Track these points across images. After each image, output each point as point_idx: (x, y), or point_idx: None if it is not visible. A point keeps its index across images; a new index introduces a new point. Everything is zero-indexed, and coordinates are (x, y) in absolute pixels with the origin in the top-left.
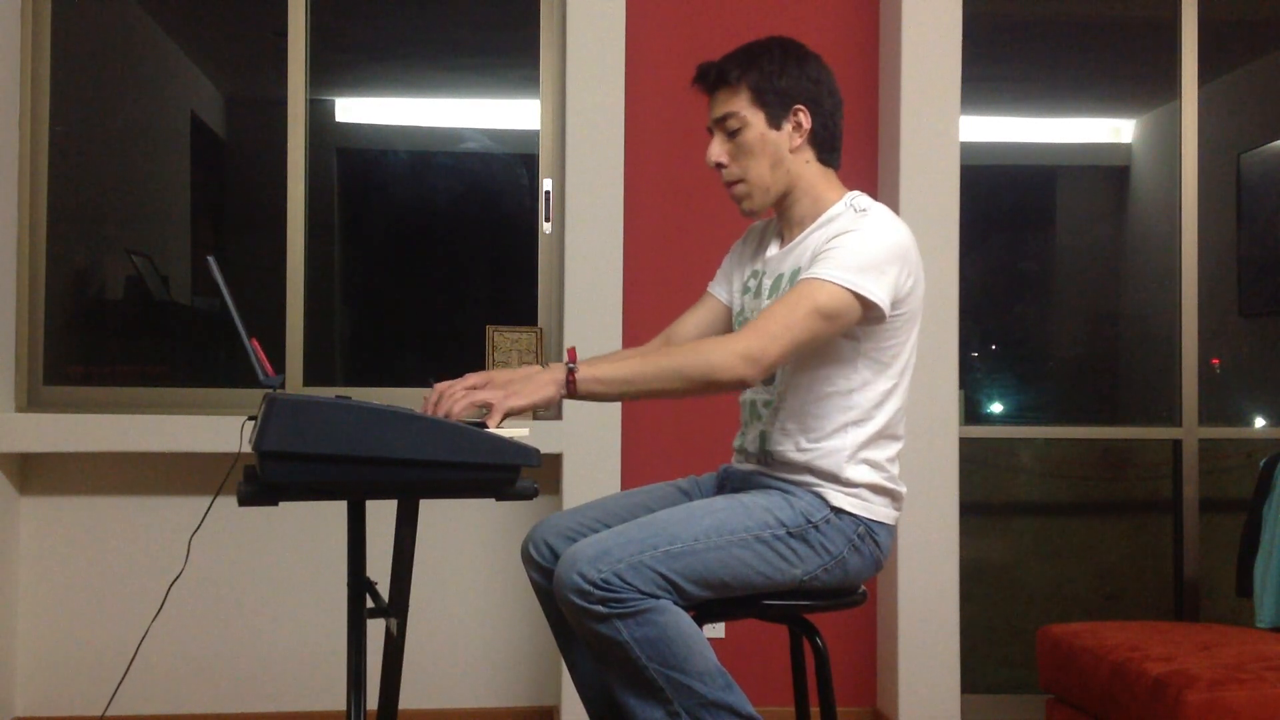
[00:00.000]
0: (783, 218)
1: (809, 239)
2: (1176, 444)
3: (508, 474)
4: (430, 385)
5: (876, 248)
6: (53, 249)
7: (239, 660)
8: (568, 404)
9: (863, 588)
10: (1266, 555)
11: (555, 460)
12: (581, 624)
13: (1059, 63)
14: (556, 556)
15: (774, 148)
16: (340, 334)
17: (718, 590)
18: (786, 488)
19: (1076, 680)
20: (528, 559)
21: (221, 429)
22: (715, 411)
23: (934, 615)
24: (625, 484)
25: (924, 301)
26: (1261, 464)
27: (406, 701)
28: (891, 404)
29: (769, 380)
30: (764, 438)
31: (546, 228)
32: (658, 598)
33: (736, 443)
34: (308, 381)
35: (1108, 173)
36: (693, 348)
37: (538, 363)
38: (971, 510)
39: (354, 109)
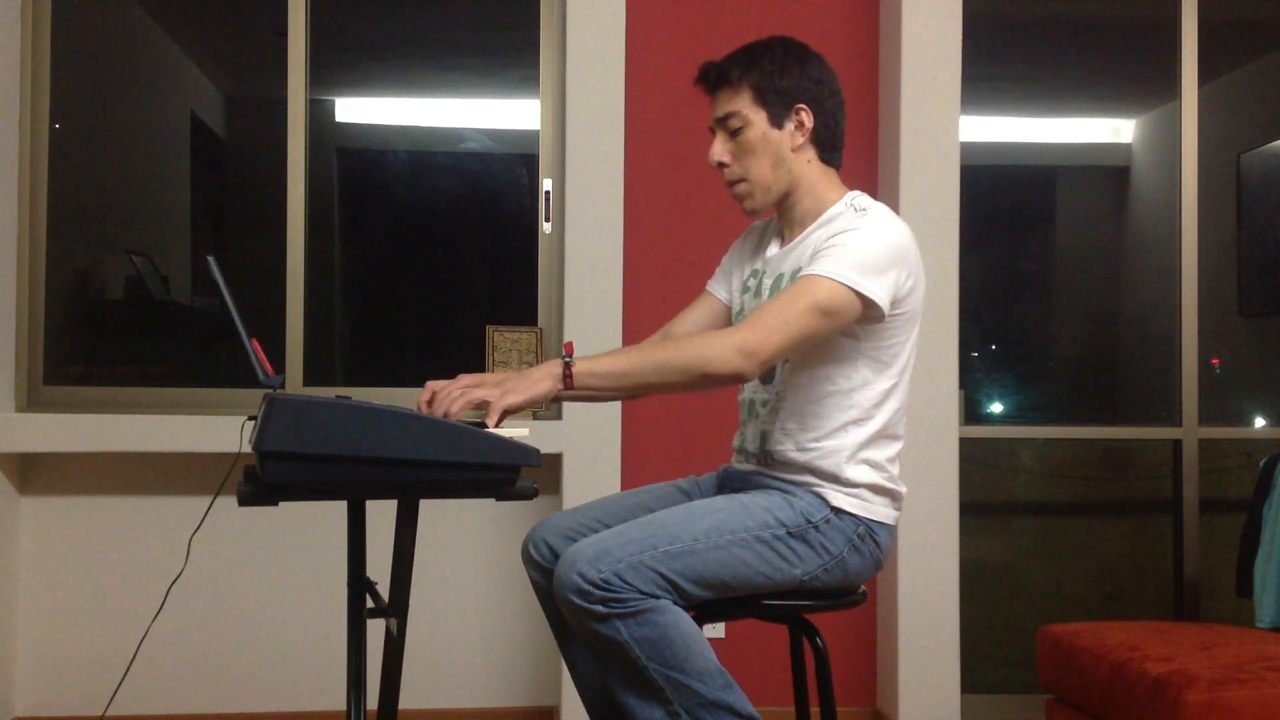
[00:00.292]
0: (783, 217)
1: (809, 238)
2: (1176, 444)
3: (508, 474)
4: (425, 385)
5: (877, 247)
6: (53, 249)
7: (239, 660)
8: (568, 404)
9: (863, 588)
10: (1266, 555)
11: (555, 460)
12: (581, 624)
13: (1059, 63)
14: (556, 556)
15: (776, 147)
16: (340, 334)
17: (718, 590)
18: (786, 488)
19: (1076, 680)
20: (528, 559)
21: (221, 429)
22: (715, 411)
23: (934, 615)
24: (625, 484)
25: (924, 301)
26: (1261, 464)
27: (406, 701)
28: (891, 404)
29: (768, 379)
30: (764, 437)
31: (546, 228)
32: (658, 598)
33: (736, 442)
34: (308, 381)
35: (1108, 173)
36: (689, 341)
37: (537, 363)
38: (971, 510)
39: (354, 109)
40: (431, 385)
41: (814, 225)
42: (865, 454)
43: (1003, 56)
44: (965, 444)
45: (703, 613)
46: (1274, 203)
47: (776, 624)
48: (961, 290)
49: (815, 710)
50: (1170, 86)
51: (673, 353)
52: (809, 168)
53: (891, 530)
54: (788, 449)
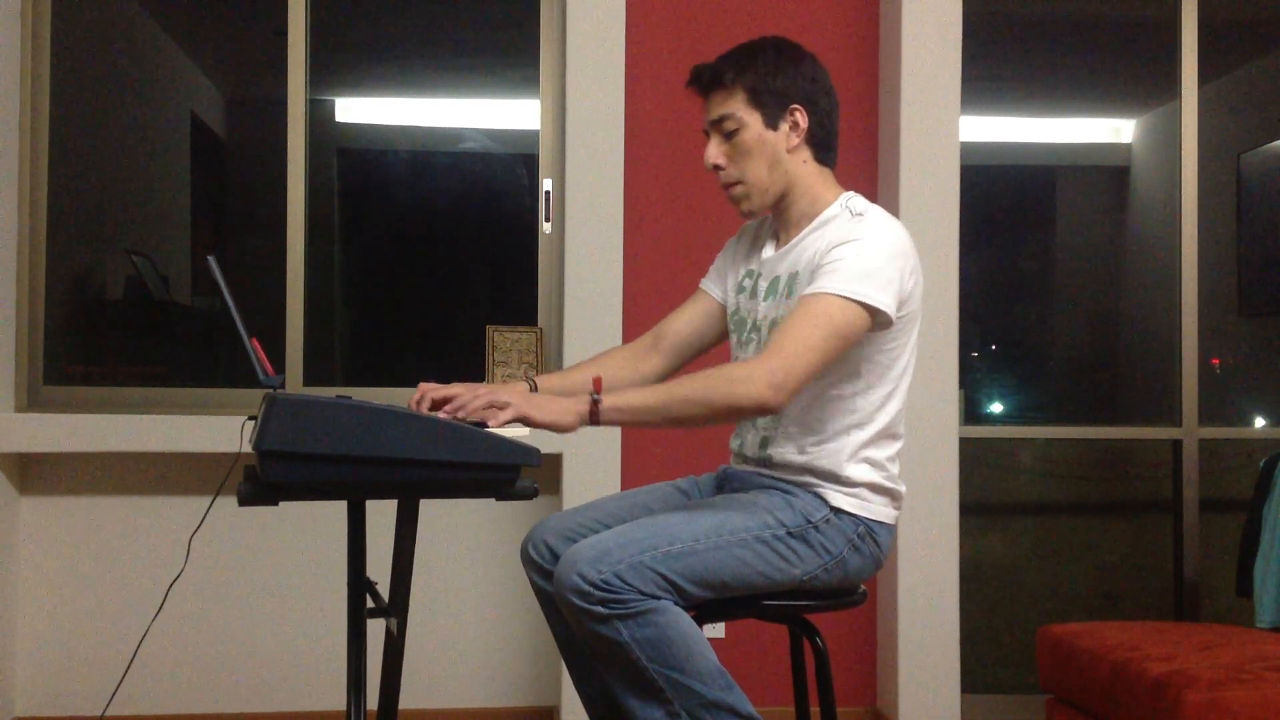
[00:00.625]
0: (779, 218)
1: (805, 241)
2: (1176, 444)
3: (508, 474)
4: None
5: (878, 254)
6: (53, 249)
7: (239, 660)
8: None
9: (863, 587)
10: (1266, 555)
11: (555, 460)
12: (581, 625)
13: (1059, 63)
14: (556, 557)
15: (771, 148)
16: (340, 334)
17: (718, 590)
18: (786, 488)
19: (1076, 680)
20: (527, 560)
21: (221, 429)
22: None
23: (934, 615)
24: (625, 484)
25: (923, 301)
26: (1261, 464)
27: (406, 701)
28: (892, 406)
29: None
30: (765, 442)
31: (546, 228)
32: (658, 598)
33: (734, 445)
34: (308, 381)
35: (1108, 173)
36: (715, 376)
37: (538, 363)
38: (971, 510)
39: (354, 109)
40: (424, 386)
41: (810, 228)
42: (865, 454)
43: (1003, 56)
44: (965, 444)
45: (703, 613)
46: (1274, 203)
47: (776, 624)
48: (961, 290)
49: (815, 710)
50: (1170, 86)
51: (699, 389)
52: (805, 168)
53: (891, 530)
54: (789, 452)
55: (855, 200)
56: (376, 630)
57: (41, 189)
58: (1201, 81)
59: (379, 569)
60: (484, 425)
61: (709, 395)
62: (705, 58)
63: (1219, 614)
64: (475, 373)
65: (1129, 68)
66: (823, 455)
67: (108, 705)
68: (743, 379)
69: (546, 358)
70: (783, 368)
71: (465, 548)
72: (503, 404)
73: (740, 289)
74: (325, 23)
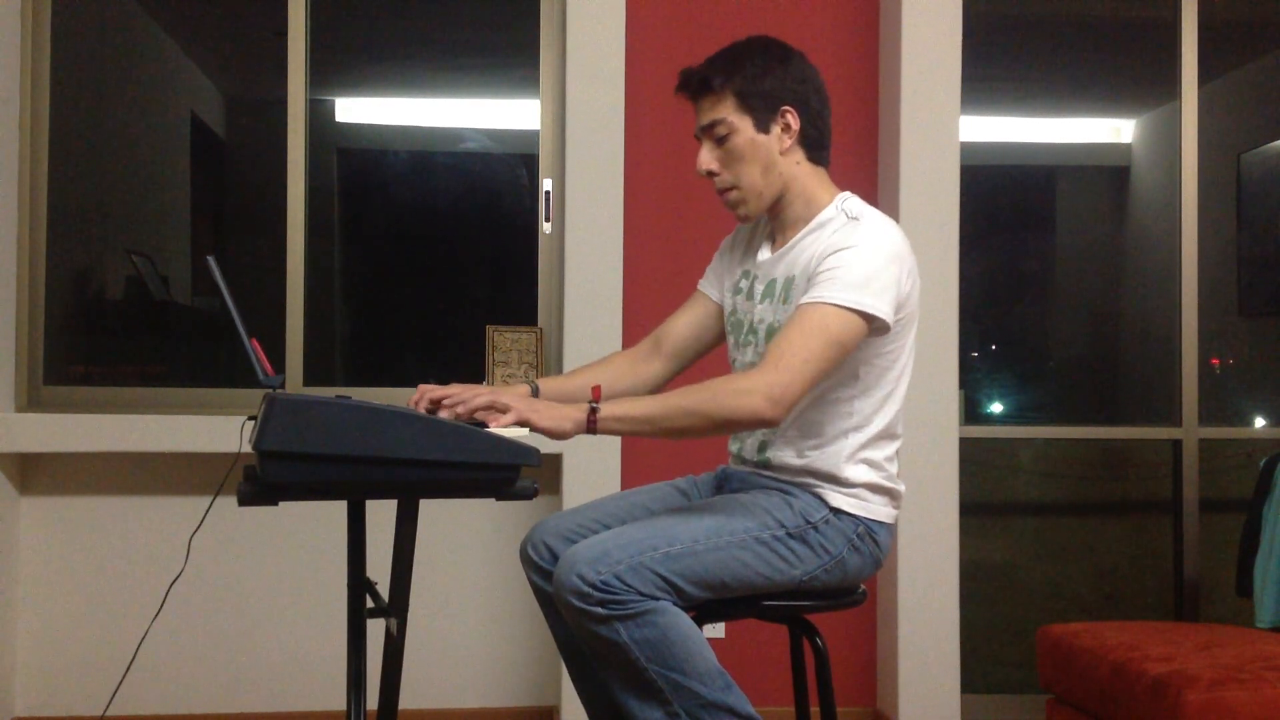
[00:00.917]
0: (775, 219)
1: (801, 243)
2: (1176, 444)
3: (508, 474)
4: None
5: (874, 259)
6: (53, 249)
7: (239, 660)
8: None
9: (862, 587)
10: (1266, 555)
11: (555, 460)
12: (581, 626)
13: (1059, 63)
14: (555, 558)
15: (764, 152)
16: (340, 334)
17: (717, 591)
18: (785, 488)
19: (1076, 680)
20: (526, 560)
21: (221, 429)
22: None
23: (934, 615)
24: (625, 484)
25: (921, 302)
26: (1261, 464)
27: (406, 701)
28: (891, 407)
29: None
30: (763, 445)
31: (546, 228)
32: (657, 599)
33: (733, 447)
34: (308, 381)
35: (1108, 173)
36: (714, 388)
37: (538, 363)
38: (971, 510)
39: (354, 109)
40: (424, 388)
41: (805, 230)
42: (864, 454)
43: (1003, 56)
44: (965, 444)
45: (702, 613)
46: (1274, 203)
47: (776, 624)
48: (961, 290)
49: (815, 710)
50: (1170, 86)
51: (698, 401)
52: (799, 169)
53: (891, 529)
54: (787, 455)
55: (851, 202)
56: (376, 630)
57: (41, 189)
58: (1201, 81)
59: (379, 569)
60: (484, 425)
61: (707, 408)
62: (705, 58)
63: (1219, 614)
64: (475, 372)
65: (1129, 68)
66: (821, 457)
67: (108, 705)
68: (741, 392)
69: (546, 358)
70: (781, 381)
71: (465, 548)
72: (504, 407)
73: (737, 290)
74: (325, 23)
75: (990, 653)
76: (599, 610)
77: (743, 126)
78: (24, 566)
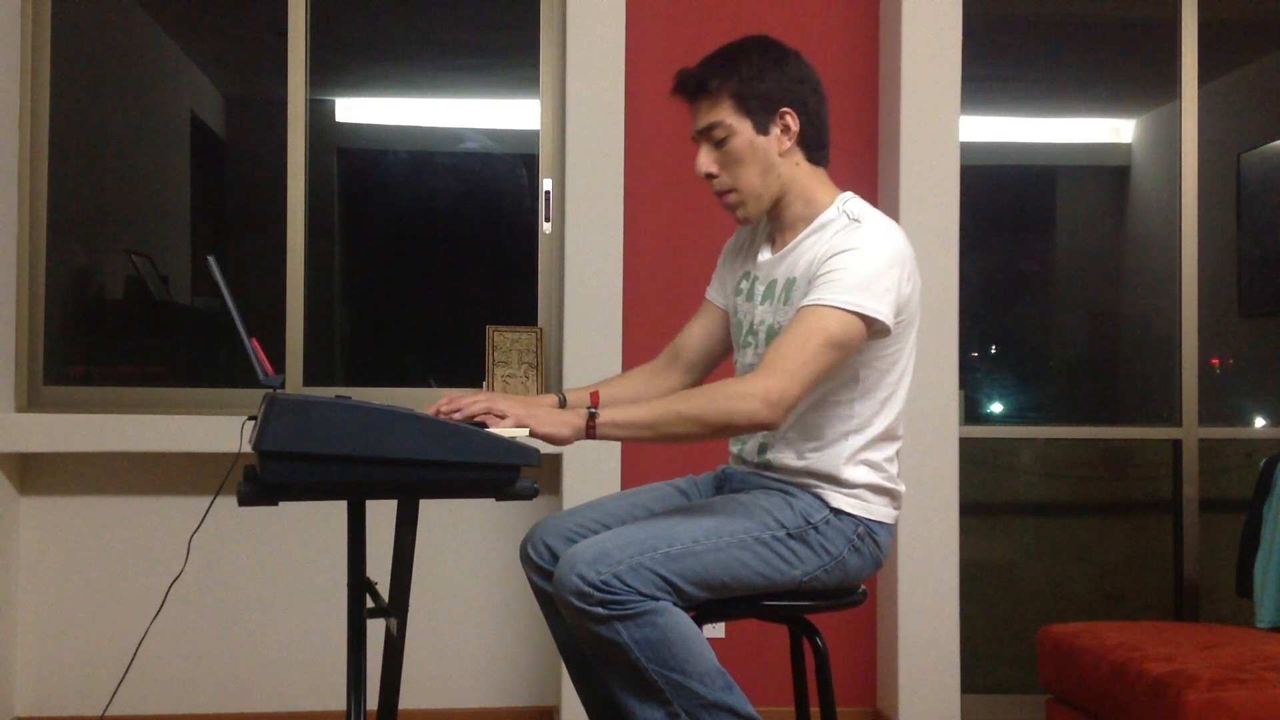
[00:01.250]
0: (775, 221)
1: (802, 244)
2: (1176, 444)
3: (508, 474)
4: (431, 384)
5: (874, 262)
6: (53, 249)
7: (239, 660)
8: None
9: (863, 588)
10: (1266, 555)
11: (555, 460)
12: (581, 626)
13: (1059, 63)
14: (555, 558)
15: (764, 154)
16: (340, 334)
17: (717, 591)
18: (785, 488)
19: (1076, 680)
20: (526, 560)
21: (221, 429)
22: None
23: (934, 615)
24: (625, 484)
25: (921, 302)
26: (1261, 464)
27: (406, 701)
28: (892, 409)
29: None
30: (763, 447)
31: (546, 228)
32: (657, 599)
33: (734, 449)
34: (308, 381)
35: (1108, 173)
36: (711, 392)
37: (538, 363)
38: (971, 510)
39: (354, 109)
40: (451, 395)
41: (806, 231)
42: (864, 455)
43: (1003, 56)
44: (965, 444)
45: (703, 613)
46: (1274, 203)
47: (776, 624)
48: (961, 290)
49: (815, 710)
50: (1170, 86)
51: (696, 405)
52: (798, 170)
53: (891, 530)
54: (787, 457)
55: (852, 204)
56: (376, 630)
57: (41, 189)
58: (1201, 81)
59: (379, 569)
60: (484, 425)
61: (705, 412)
62: (701, 58)
63: (1219, 614)
64: (475, 372)
65: (1129, 68)
66: (821, 459)
67: (108, 705)
68: (739, 396)
69: (546, 358)
70: (779, 385)
71: (465, 548)
72: (500, 412)
73: (738, 291)
74: (325, 23)
75: (990, 653)
76: (599, 610)
77: (741, 129)
78: (24, 566)
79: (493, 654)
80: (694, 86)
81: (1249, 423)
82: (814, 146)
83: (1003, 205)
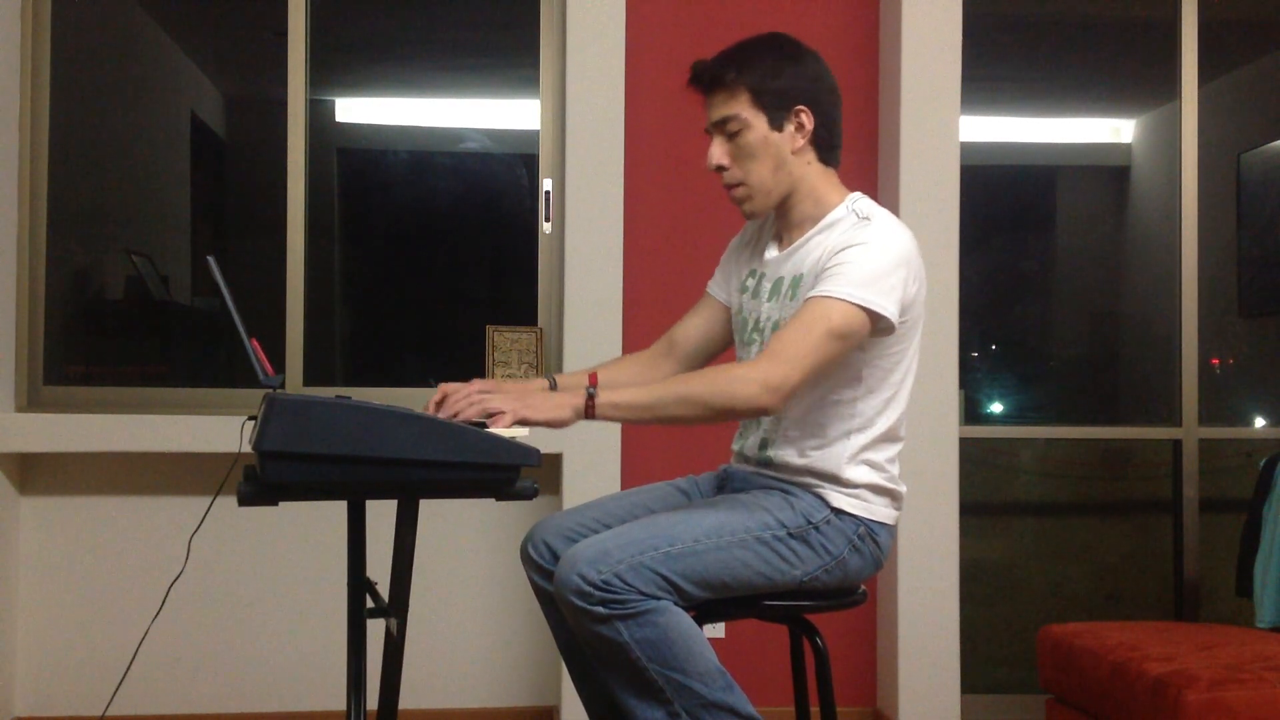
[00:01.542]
0: (783, 219)
1: (810, 243)
2: (1176, 444)
3: (508, 474)
4: (431, 384)
5: (882, 259)
6: (53, 249)
7: (239, 660)
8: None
9: (863, 588)
10: (1266, 555)
11: (555, 460)
12: (582, 625)
13: (1059, 63)
14: (556, 557)
15: (776, 150)
16: (340, 334)
17: (718, 591)
18: (786, 488)
19: (1076, 680)
20: (527, 560)
21: (221, 429)
22: None
23: (934, 615)
24: (625, 484)
25: (925, 305)
26: (1261, 464)
27: (406, 701)
28: (894, 410)
29: None
30: (765, 443)
31: (546, 228)
32: (658, 599)
33: (735, 445)
34: (308, 381)
35: (1108, 173)
36: (712, 376)
37: (538, 362)
38: (971, 510)
39: (354, 109)
40: (444, 387)
41: (814, 230)
42: (865, 455)
43: (1003, 56)
44: (965, 444)
45: (703, 613)
46: (1274, 203)
47: (776, 624)
48: (961, 290)
49: (815, 710)
50: (1170, 86)
51: (696, 388)
52: (809, 169)
53: (892, 530)
54: (789, 455)
55: (862, 203)
56: (376, 630)
57: (41, 189)
58: (1201, 81)
59: (379, 569)
60: (484, 425)
61: (705, 395)
62: (712, 53)
63: (1219, 614)
64: (475, 373)
65: (1129, 68)
66: (823, 458)
67: (108, 705)
68: (739, 380)
69: (546, 358)
70: (779, 370)
71: (465, 548)
72: (496, 409)
73: (743, 289)
74: (325, 23)
75: (990, 653)
76: (600, 610)
77: (756, 124)
78: (24, 566)
79: (493, 654)
80: (711, 79)
81: (1249, 423)
82: (826, 147)
83: (1003, 205)
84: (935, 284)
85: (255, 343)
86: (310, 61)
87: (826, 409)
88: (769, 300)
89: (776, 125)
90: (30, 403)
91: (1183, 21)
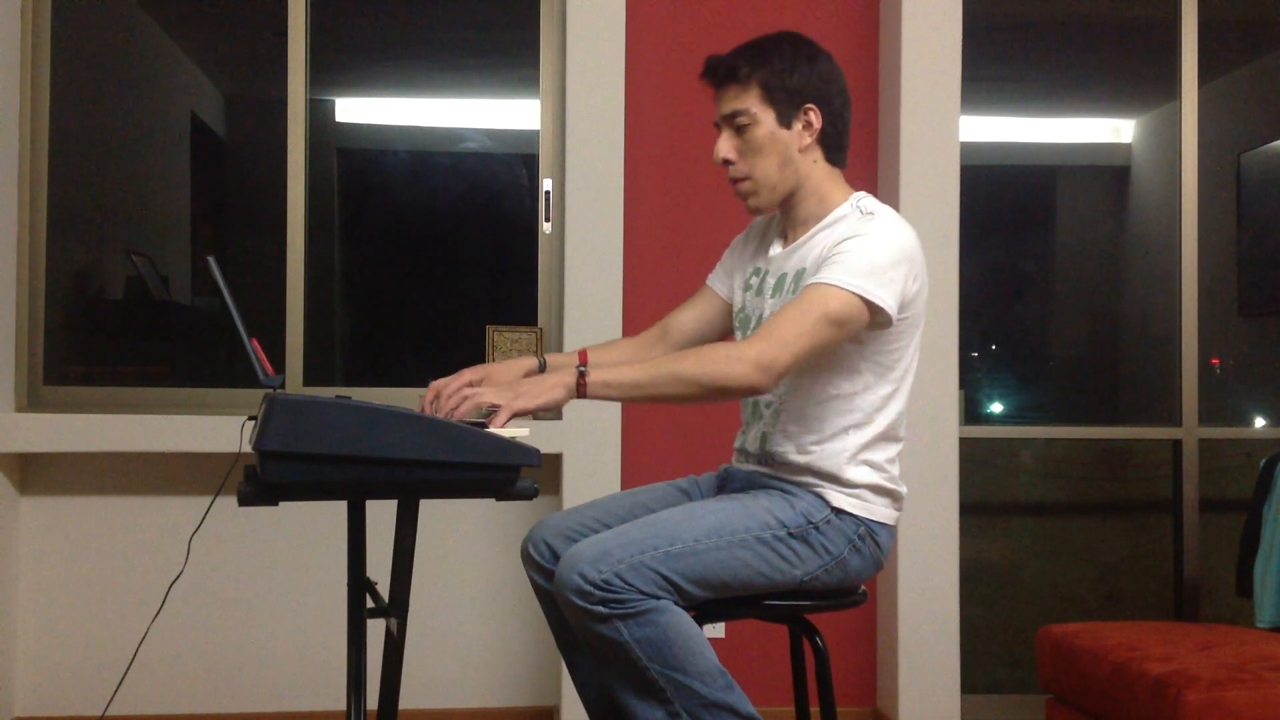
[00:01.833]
0: (787, 217)
1: (814, 240)
2: (1176, 444)
3: (508, 474)
4: (430, 385)
5: (884, 253)
6: (53, 249)
7: (239, 660)
8: (568, 404)
9: (863, 588)
10: (1266, 555)
11: (555, 460)
12: (582, 624)
13: (1059, 63)
14: (556, 557)
15: (783, 146)
16: (340, 334)
17: (718, 590)
18: (787, 488)
19: (1076, 680)
20: (527, 559)
21: (221, 429)
22: (715, 412)
23: (934, 615)
24: (625, 484)
25: (926, 304)
26: (1261, 464)
27: (406, 701)
28: (893, 407)
29: None
30: (765, 439)
31: (546, 228)
32: (658, 598)
33: (738, 443)
34: (308, 381)
35: (1108, 173)
36: (704, 354)
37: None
38: (971, 510)
39: (354, 109)
40: (435, 385)
41: (818, 227)
42: (865, 455)
43: (1003, 56)
44: (965, 444)
45: (703, 613)
46: (1274, 203)
47: (777, 624)
48: (961, 290)
49: (815, 710)
50: (1170, 86)
51: (688, 366)
52: (815, 168)
53: (892, 530)
54: (788, 451)
55: (866, 200)
56: (376, 630)
57: (41, 189)
58: (1201, 81)
59: (379, 569)
60: (484, 425)
61: (697, 373)
62: (712, 52)
63: (1219, 614)
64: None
65: (1129, 68)
66: (823, 456)
67: (108, 705)
68: (731, 358)
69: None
70: (771, 349)
71: (465, 548)
72: (490, 404)
73: (747, 286)
74: (325, 23)
75: (990, 653)
76: (600, 609)
77: (765, 119)
78: (24, 566)
79: (493, 654)
80: (724, 72)
81: (1249, 423)
82: (833, 147)
83: (1003, 205)
84: (935, 284)
85: (255, 343)
86: (310, 61)
87: (825, 404)
88: (772, 296)
89: (785, 122)
90: (30, 403)
91: (1183, 21)
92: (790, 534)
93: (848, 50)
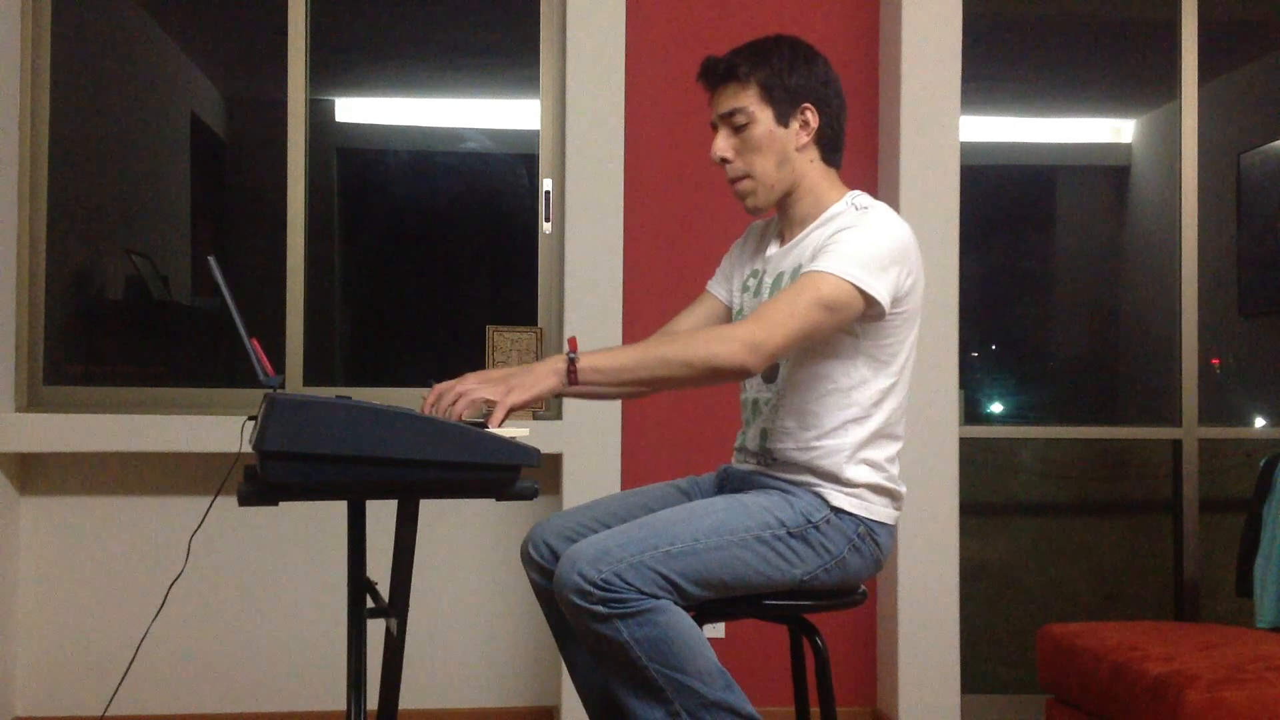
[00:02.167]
0: (784, 216)
1: (810, 237)
2: (1176, 444)
3: (508, 474)
4: (430, 386)
5: (878, 244)
6: (53, 249)
7: (239, 660)
8: (568, 403)
9: (863, 588)
10: (1266, 555)
11: (555, 460)
12: (582, 624)
13: (1059, 63)
14: (556, 557)
15: (780, 145)
16: (340, 334)
17: (718, 590)
18: (786, 488)
19: (1076, 680)
20: (527, 559)
21: (221, 429)
22: (715, 411)
23: (934, 615)
24: (625, 484)
25: (924, 301)
26: (1261, 464)
27: (406, 701)
28: (890, 402)
29: (770, 378)
30: (764, 435)
31: (546, 228)
32: (658, 598)
33: (738, 442)
34: (308, 381)
35: (1108, 173)
36: (694, 336)
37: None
38: (971, 510)
39: (354, 109)
40: (439, 388)
41: (814, 224)
42: (865, 454)
43: (1003, 56)
44: (965, 444)
45: (703, 613)
46: (1274, 203)
47: (776, 624)
48: (961, 290)
49: (815, 710)
50: (1170, 86)
51: (678, 347)
52: (811, 167)
53: (891, 530)
54: (788, 447)
55: (861, 197)
56: (376, 630)
57: (41, 189)
58: (1201, 81)
59: (379, 569)
60: (484, 425)
61: (686, 353)
62: (708, 54)
63: (1219, 614)
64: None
65: (1129, 68)
66: (822, 454)
67: (108, 705)
68: (721, 339)
69: (547, 357)
70: (762, 330)
71: (465, 548)
72: (485, 400)
73: (745, 288)
74: (325, 23)
75: (990, 653)
76: (600, 609)
77: (763, 117)
78: (24, 566)
79: (493, 654)
80: (723, 71)
81: (1249, 423)
82: (829, 147)
83: (1003, 205)
84: (935, 283)
85: (255, 343)
86: (310, 61)
87: (823, 398)
88: (770, 295)
89: (782, 121)
90: (30, 403)
91: (1183, 21)
92: (790, 533)
93: (848, 50)
